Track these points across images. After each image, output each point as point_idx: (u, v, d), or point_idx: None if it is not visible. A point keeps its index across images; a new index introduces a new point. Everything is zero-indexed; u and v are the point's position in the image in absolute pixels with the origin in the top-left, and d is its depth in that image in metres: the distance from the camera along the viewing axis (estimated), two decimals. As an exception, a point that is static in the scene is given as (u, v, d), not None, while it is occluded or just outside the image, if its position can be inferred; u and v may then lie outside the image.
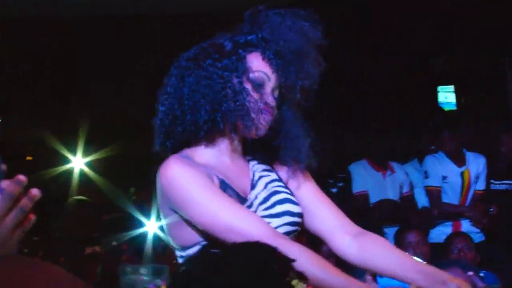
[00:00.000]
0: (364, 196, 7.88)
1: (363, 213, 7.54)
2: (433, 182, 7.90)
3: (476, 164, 7.99)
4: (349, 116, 8.39)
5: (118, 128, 7.86)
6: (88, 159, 7.60)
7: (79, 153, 7.53)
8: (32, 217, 1.88)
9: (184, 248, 2.96)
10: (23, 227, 1.88)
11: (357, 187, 7.86)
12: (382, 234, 7.21)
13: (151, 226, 6.52)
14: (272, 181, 3.15)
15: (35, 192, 1.84)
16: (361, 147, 8.16)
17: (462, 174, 7.92)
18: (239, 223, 2.84)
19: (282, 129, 3.13)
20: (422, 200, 8.07)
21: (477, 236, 7.52)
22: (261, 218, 2.94)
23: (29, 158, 8.08)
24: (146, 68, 8.12)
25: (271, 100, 3.01)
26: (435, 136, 8.21)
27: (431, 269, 3.01)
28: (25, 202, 1.85)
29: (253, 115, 2.97)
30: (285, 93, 3.09)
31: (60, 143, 7.35)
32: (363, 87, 8.87)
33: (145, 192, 7.95)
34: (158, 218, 5.81)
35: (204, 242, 2.94)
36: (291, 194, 3.14)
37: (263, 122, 3.00)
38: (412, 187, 8.08)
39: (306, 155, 3.14)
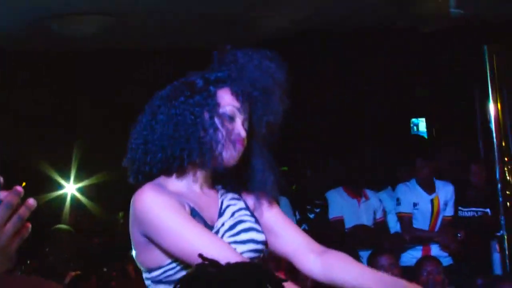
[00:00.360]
0: (340, 222, 7.86)
1: (339, 238, 7.58)
2: (405, 208, 7.94)
3: (445, 191, 8.04)
4: (327, 145, 8.40)
5: (109, 154, 7.86)
6: (80, 184, 7.60)
7: (72, 179, 7.52)
8: (29, 225, 1.89)
9: (150, 270, 2.99)
10: (21, 234, 1.90)
11: (333, 213, 7.85)
12: (357, 257, 7.27)
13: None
14: (239, 209, 3.16)
15: (31, 201, 1.86)
16: (338, 175, 8.18)
17: (432, 201, 7.98)
18: (209, 250, 2.74)
19: (249, 161, 3.15)
20: (394, 225, 8.12)
21: (446, 260, 7.57)
22: (230, 245, 2.96)
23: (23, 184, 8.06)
24: (134, 99, 8.14)
25: (242, 131, 3.03)
26: (408, 164, 8.27)
27: (390, 278, 3.13)
28: (22, 211, 1.86)
29: (220, 148, 2.99)
30: (253, 127, 3.12)
31: (54, 169, 7.34)
32: (341, 120, 8.89)
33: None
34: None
35: (170, 265, 2.96)
36: (256, 222, 3.16)
37: (234, 153, 3.03)
38: (385, 213, 8.13)
39: (271, 188, 3.17)
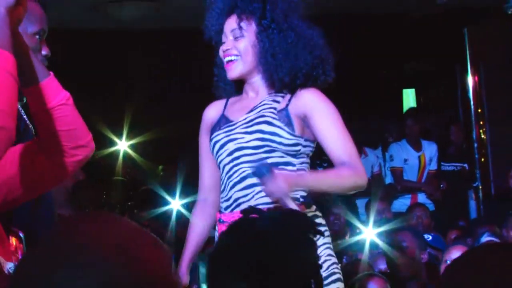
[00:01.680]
0: (342, 174, 7.91)
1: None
2: (397, 163, 7.99)
3: (430, 149, 8.07)
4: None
5: (151, 119, 7.89)
6: (130, 142, 7.65)
7: (124, 137, 7.57)
8: None
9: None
10: None
11: None
12: (355, 206, 7.37)
13: (175, 204, 6.31)
14: (269, 108, 3.05)
15: None
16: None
17: (419, 157, 8.00)
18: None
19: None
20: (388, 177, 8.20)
21: (430, 207, 7.54)
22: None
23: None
24: (173, 70, 8.16)
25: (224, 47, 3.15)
26: (401, 125, 8.33)
27: None
28: None
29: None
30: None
31: (108, 129, 7.38)
32: (345, 90, 8.91)
33: (170, 169, 8.03)
34: (181, 196, 5.76)
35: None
36: (277, 118, 2.99)
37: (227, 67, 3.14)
38: (381, 167, 8.19)
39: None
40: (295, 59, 3.05)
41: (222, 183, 3.07)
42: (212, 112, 3.19)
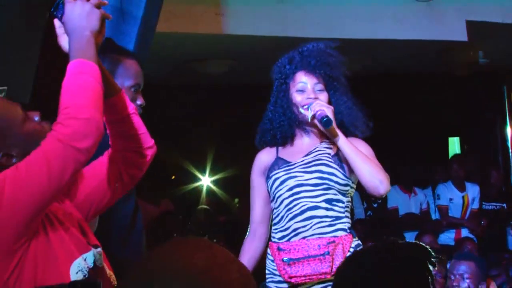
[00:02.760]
0: (395, 210, 7.79)
1: (394, 222, 7.60)
2: (443, 202, 7.87)
3: (473, 190, 7.90)
4: (387, 152, 8.36)
5: (229, 159, 7.94)
6: (212, 178, 7.71)
7: (207, 174, 7.64)
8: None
9: None
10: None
11: (391, 203, 7.78)
12: (403, 238, 7.27)
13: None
14: (324, 153, 3.09)
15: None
16: (395, 176, 8.14)
17: (463, 197, 7.82)
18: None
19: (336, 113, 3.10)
20: (434, 214, 8.08)
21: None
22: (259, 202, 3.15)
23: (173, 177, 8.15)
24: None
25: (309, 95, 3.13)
26: (447, 168, 8.22)
27: None
28: None
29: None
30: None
31: (193, 166, 7.48)
32: (402, 137, 8.85)
33: (244, 201, 8.05)
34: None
35: None
36: (333, 161, 3.04)
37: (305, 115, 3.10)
38: (428, 205, 8.09)
39: (358, 128, 3.14)
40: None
41: (278, 215, 3.08)
42: (265, 156, 3.17)
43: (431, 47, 6.85)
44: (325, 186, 3.02)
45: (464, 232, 7.69)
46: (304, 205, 3.02)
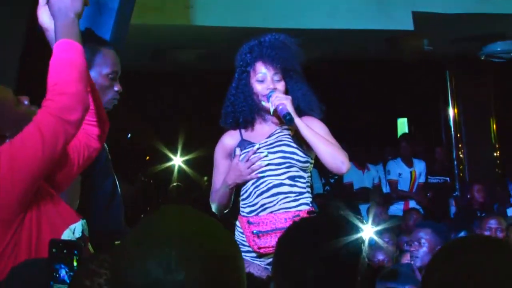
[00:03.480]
0: (350, 185, 7.87)
1: (350, 196, 7.66)
2: (393, 177, 7.96)
3: (419, 166, 7.99)
4: (343, 133, 8.40)
5: (200, 139, 7.90)
6: (183, 158, 7.66)
7: (178, 154, 7.58)
8: None
9: None
10: None
11: (346, 179, 7.81)
12: (358, 210, 7.34)
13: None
14: (284, 134, 3.10)
15: None
16: (350, 154, 8.17)
17: (411, 172, 7.92)
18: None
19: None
20: (386, 187, 8.17)
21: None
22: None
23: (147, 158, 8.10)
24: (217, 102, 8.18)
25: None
26: (396, 146, 8.30)
27: None
28: None
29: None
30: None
31: (166, 148, 7.42)
32: (356, 118, 8.89)
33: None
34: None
35: None
36: (294, 141, 3.06)
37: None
38: (380, 179, 8.16)
39: (312, 111, 3.13)
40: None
41: (246, 191, 3.10)
42: (229, 139, 3.18)
43: (380, 36, 6.89)
44: (287, 164, 3.05)
45: (412, 204, 7.79)
46: (270, 182, 3.05)
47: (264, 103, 3.07)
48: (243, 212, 3.12)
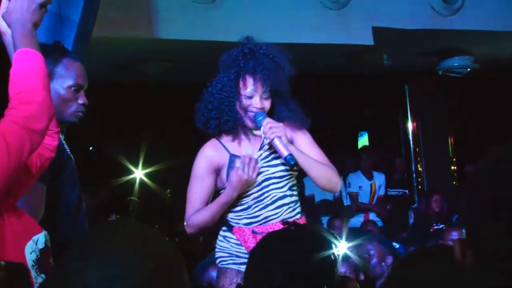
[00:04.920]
0: (312, 197, 7.90)
1: (311, 208, 7.67)
2: (353, 189, 8.02)
3: (379, 179, 8.09)
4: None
5: (163, 151, 7.85)
6: (145, 171, 7.56)
7: (140, 166, 7.49)
8: None
9: None
10: None
11: (308, 191, 7.82)
12: (320, 221, 7.36)
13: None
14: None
15: None
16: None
17: (371, 185, 8.02)
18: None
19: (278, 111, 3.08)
20: (346, 200, 8.21)
21: (379, 223, 7.58)
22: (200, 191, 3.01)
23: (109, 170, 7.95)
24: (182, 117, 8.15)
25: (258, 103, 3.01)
26: (357, 159, 8.36)
27: None
28: None
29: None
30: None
31: (127, 159, 7.33)
32: (317, 132, 8.93)
33: (177, 193, 7.95)
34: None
35: None
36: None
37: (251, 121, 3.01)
38: (341, 192, 8.19)
39: (300, 120, 3.09)
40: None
41: (244, 204, 3.03)
42: (214, 153, 3.06)
43: (341, 51, 6.96)
44: (288, 176, 3.04)
45: (372, 216, 7.87)
46: (275, 195, 3.02)
47: (255, 132, 3.01)
48: (237, 223, 3.06)
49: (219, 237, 3.12)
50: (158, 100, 8.03)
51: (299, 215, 3.06)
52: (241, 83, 3.00)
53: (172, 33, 5.71)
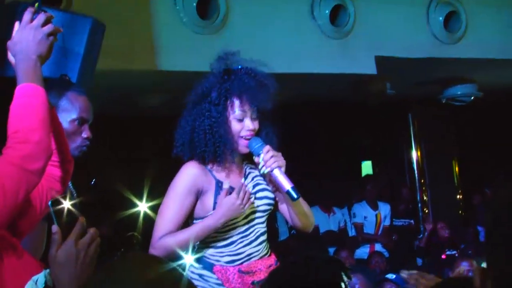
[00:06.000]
0: (316, 228, 7.80)
1: (315, 239, 7.62)
2: (358, 220, 8.00)
3: (384, 209, 8.08)
4: (307, 175, 8.42)
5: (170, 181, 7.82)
6: (149, 204, 7.56)
7: (144, 199, 7.48)
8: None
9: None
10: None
11: None
12: (327, 252, 7.31)
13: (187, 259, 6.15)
14: (256, 175, 2.92)
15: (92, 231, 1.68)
16: (315, 197, 8.19)
17: (376, 215, 8.00)
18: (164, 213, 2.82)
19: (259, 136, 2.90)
20: (351, 230, 8.16)
21: (385, 254, 7.56)
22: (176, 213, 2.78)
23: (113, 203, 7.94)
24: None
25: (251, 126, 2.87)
26: (361, 189, 8.33)
27: None
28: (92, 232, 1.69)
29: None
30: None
31: (131, 192, 7.31)
32: (320, 161, 8.90)
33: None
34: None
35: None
36: (267, 185, 2.91)
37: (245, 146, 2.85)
38: (346, 223, 8.16)
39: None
40: None
41: (228, 239, 2.85)
42: (199, 173, 2.85)
43: (344, 80, 6.96)
44: (269, 210, 2.93)
45: (378, 247, 7.81)
46: (258, 231, 2.89)
47: (255, 159, 2.84)
48: (218, 261, 2.85)
49: (192, 275, 2.84)
50: (160, 132, 8.02)
51: (269, 251, 2.93)
52: (228, 107, 2.84)
53: (176, 64, 5.72)
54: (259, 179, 2.94)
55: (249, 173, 2.94)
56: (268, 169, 2.78)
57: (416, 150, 9.25)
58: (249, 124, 2.84)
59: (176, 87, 6.90)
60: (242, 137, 2.85)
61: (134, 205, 7.59)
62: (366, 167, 10.20)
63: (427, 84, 7.87)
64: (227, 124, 2.84)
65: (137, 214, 7.63)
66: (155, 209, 7.78)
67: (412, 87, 8.01)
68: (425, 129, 9.24)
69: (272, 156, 2.78)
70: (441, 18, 6.76)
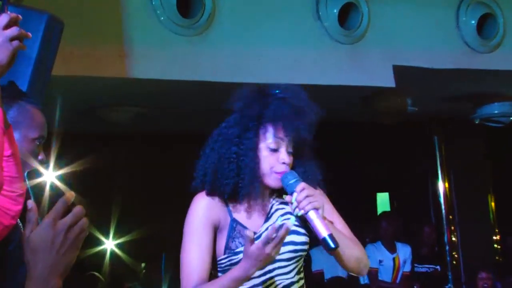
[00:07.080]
0: (321, 274, 7.85)
1: (319, 286, 7.63)
2: (372, 264, 7.96)
3: (404, 251, 8.04)
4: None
5: (136, 220, 7.84)
6: (116, 241, 7.57)
7: (110, 236, 7.49)
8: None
9: None
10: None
11: (315, 267, 7.81)
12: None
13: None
14: (285, 213, 2.90)
15: (79, 209, 1.67)
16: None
17: (394, 259, 7.95)
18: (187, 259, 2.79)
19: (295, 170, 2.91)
20: (363, 278, 8.15)
21: None
22: (199, 259, 2.77)
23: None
24: (156, 173, 8.17)
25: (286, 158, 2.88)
26: (376, 227, 8.31)
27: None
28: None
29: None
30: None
31: (97, 229, 7.33)
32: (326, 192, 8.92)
33: (152, 267, 7.94)
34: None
35: None
36: (299, 225, 2.86)
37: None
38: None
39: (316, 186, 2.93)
40: None
41: None
42: (215, 206, 2.88)
43: (355, 94, 6.96)
44: (298, 257, 2.90)
45: (396, 299, 7.80)
46: (280, 283, 2.85)
47: (285, 197, 2.85)
48: None
49: None
50: (128, 152, 8.06)
51: None
52: (260, 134, 2.88)
53: (148, 71, 5.74)
54: (287, 217, 2.88)
55: (276, 210, 2.94)
56: (302, 212, 2.79)
57: (444, 180, 9.26)
58: (285, 157, 2.87)
59: (150, 99, 7.00)
60: (273, 171, 2.87)
61: (101, 243, 7.66)
62: (382, 201, 10.22)
63: (457, 100, 7.91)
64: (255, 153, 2.87)
65: (103, 252, 7.70)
66: (123, 246, 7.83)
67: (438, 104, 8.04)
68: (454, 155, 9.26)
69: (306, 196, 2.78)
70: (473, 22, 6.81)
